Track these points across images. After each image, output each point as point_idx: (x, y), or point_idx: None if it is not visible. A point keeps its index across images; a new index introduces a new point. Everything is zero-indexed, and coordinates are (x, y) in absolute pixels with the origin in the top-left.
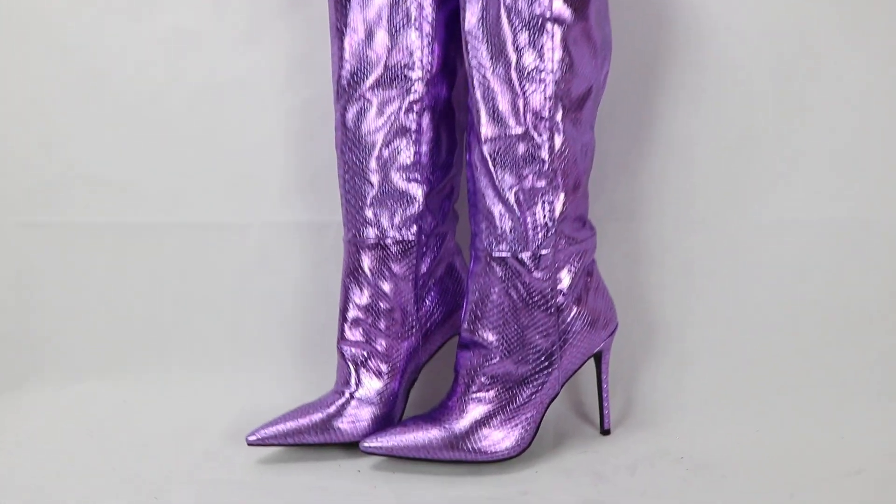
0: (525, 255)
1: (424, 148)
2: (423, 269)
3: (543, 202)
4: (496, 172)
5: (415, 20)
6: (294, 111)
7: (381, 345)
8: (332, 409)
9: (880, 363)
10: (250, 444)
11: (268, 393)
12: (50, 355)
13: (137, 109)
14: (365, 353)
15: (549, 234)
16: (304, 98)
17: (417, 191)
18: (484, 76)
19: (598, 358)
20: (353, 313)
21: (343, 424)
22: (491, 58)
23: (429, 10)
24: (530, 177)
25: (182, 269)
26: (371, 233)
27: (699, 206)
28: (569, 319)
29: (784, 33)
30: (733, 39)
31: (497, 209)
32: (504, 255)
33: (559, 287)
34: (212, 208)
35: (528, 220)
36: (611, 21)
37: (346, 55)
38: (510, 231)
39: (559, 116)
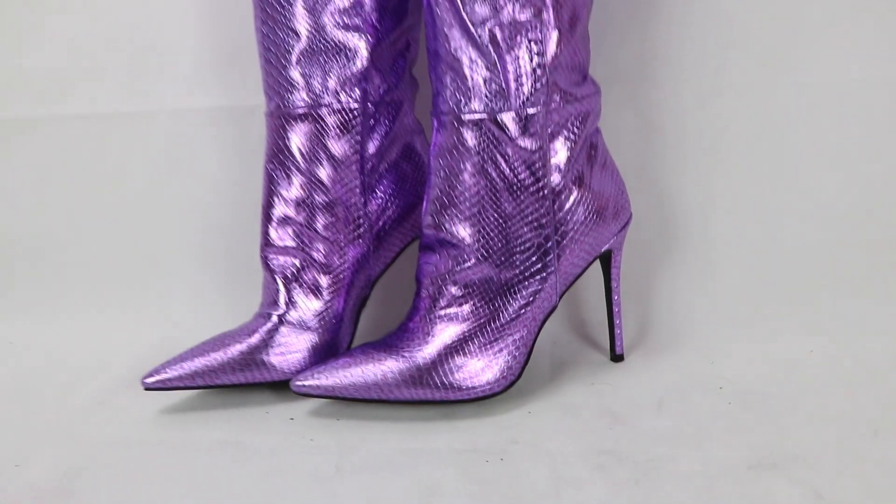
0: (506, 116)
1: None
2: (372, 148)
3: (529, 42)
4: (463, 3)
5: None
6: None
7: (318, 251)
8: (256, 338)
9: None
10: (148, 388)
11: (184, 320)
12: None
13: None
14: (298, 263)
15: (539, 85)
16: None
17: (360, 42)
18: None
19: (607, 259)
20: (280, 210)
21: (271, 358)
22: None
23: None
24: (510, 6)
25: (75, 170)
26: (299, 99)
27: (728, 66)
28: (568, 206)
29: None
30: None
31: (466, 55)
32: (477, 116)
33: (553, 161)
34: (109, 95)
35: (510, 66)
36: None
37: None
38: (485, 83)
39: None
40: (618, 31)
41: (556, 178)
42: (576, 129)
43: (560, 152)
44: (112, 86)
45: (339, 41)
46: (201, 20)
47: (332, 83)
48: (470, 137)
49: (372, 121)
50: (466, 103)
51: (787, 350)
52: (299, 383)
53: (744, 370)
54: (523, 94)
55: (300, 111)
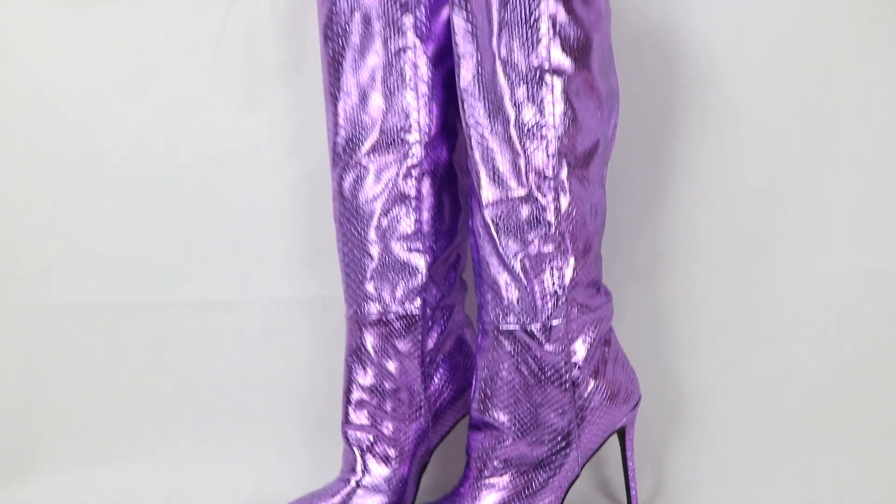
0: (535, 327)
1: (425, 215)
2: (430, 344)
3: (552, 268)
4: (500, 239)
5: (410, 80)
6: (296, 180)
7: (387, 428)
8: (337, 499)
9: None
10: None
11: (275, 478)
12: (50, 441)
13: (136, 184)
14: (371, 438)
15: (560, 302)
16: (306, 166)
17: (420, 261)
18: (482, 135)
19: (622, 434)
20: (357, 395)
21: None
22: (488, 115)
23: (424, 70)
24: (536, 241)
25: (184, 348)
26: (373, 308)
27: (727, 263)
28: (586, 395)
29: (806, 77)
30: (751, 85)
31: (503, 278)
32: (512, 327)
33: (573, 360)
34: (214, 285)
35: (536, 288)
36: (617, 71)
37: (341, 120)
38: (517, 301)
39: (564, 174)
40: (628, 239)
41: (576, 373)
42: (591, 333)
43: (579, 352)
44: (215, 277)
45: (404, 261)
46: (291, 222)
47: (398, 294)
48: (506, 343)
49: (430, 322)
50: (504, 317)
51: None
52: None
53: None
54: (548, 310)
55: (373, 318)
